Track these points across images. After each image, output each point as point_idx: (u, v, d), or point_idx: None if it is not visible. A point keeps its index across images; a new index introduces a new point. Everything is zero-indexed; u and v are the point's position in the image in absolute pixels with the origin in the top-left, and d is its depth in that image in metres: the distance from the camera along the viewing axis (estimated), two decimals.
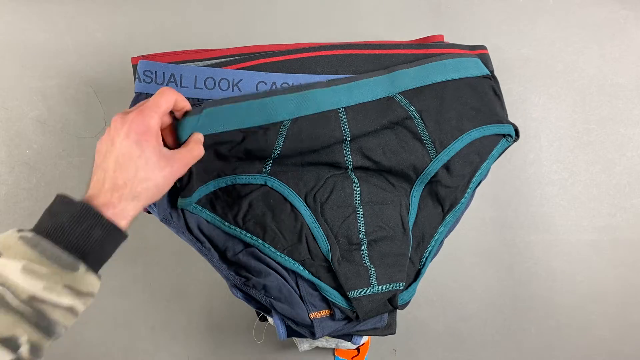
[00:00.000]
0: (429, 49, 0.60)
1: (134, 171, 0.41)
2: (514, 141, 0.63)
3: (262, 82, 0.57)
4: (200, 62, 0.60)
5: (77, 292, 0.37)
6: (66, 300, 0.36)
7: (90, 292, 0.38)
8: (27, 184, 0.77)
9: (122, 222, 0.41)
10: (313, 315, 0.54)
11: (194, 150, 0.47)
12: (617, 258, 0.78)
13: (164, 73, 0.56)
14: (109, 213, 0.40)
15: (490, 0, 0.82)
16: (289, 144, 0.53)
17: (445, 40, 0.65)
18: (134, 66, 0.60)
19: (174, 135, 0.50)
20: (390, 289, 0.54)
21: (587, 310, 0.77)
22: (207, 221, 0.55)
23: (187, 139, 0.49)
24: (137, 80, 0.57)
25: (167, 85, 0.57)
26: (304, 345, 0.71)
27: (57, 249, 0.37)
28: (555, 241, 0.78)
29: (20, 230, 0.39)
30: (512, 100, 0.78)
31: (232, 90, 0.57)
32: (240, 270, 0.55)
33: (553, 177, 0.79)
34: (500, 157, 0.63)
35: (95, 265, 0.39)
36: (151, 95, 0.56)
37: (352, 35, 0.80)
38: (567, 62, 0.81)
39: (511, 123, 0.63)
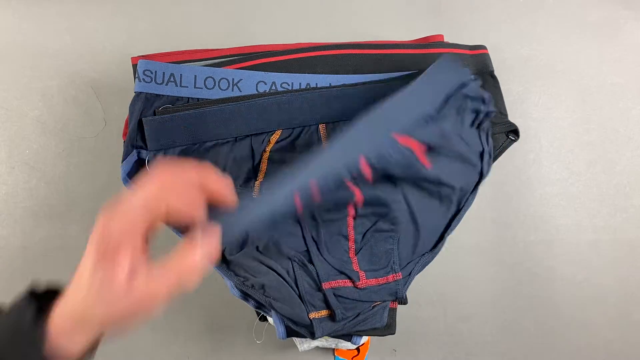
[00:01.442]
0: (429, 48, 0.60)
1: (84, 295, 0.34)
2: (514, 141, 0.63)
3: (262, 81, 0.57)
4: (200, 62, 0.60)
5: None
6: None
7: None
8: (27, 184, 0.77)
9: (69, 353, 0.34)
10: (312, 315, 0.54)
11: (173, 283, 0.35)
12: (617, 258, 0.78)
13: (163, 73, 0.56)
14: (59, 338, 0.33)
15: (490, 0, 0.82)
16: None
17: (445, 40, 0.65)
18: (134, 66, 0.60)
19: None
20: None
21: (587, 310, 0.77)
22: None
23: (173, 258, 0.36)
24: (136, 79, 0.57)
25: (166, 85, 0.56)
26: (304, 345, 0.71)
27: None
28: (555, 241, 0.78)
29: None
30: (512, 100, 0.78)
31: (232, 90, 0.57)
32: (239, 270, 0.55)
33: (553, 177, 0.79)
34: (500, 157, 0.63)
35: None
36: (153, 95, 0.56)
37: (352, 35, 0.80)
38: (567, 62, 0.81)
39: (511, 123, 0.63)
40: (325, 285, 0.53)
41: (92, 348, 0.38)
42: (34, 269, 0.75)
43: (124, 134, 0.58)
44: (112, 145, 0.76)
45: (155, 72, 0.56)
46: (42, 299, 0.35)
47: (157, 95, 0.56)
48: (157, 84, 0.56)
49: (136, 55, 0.61)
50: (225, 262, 0.55)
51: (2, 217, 0.77)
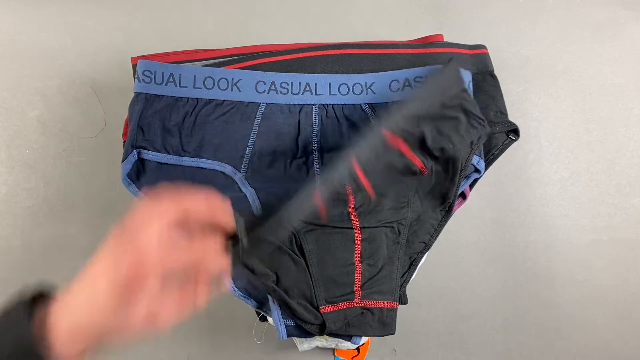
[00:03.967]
0: (429, 48, 0.60)
1: (94, 314, 0.34)
2: (514, 141, 0.63)
3: (262, 81, 0.57)
4: (200, 62, 0.60)
5: None
6: None
7: None
8: (27, 184, 0.77)
9: (66, 357, 0.34)
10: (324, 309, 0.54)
11: (181, 311, 0.36)
12: (617, 258, 0.78)
13: (162, 73, 0.56)
14: (57, 345, 0.33)
15: (490, 0, 0.82)
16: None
17: (445, 39, 0.65)
18: (134, 66, 0.60)
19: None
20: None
21: (587, 310, 0.77)
22: None
23: (186, 284, 0.37)
24: (136, 80, 0.57)
25: (166, 85, 0.56)
26: (304, 345, 0.71)
27: None
28: (555, 241, 0.78)
29: None
30: (512, 100, 0.78)
31: (232, 90, 0.57)
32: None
33: (553, 177, 0.79)
34: (500, 157, 0.63)
35: None
36: (152, 95, 0.56)
37: (352, 35, 0.80)
38: (567, 62, 0.81)
39: (511, 122, 0.63)
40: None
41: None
42: (34, 269, 0.75)
43: (124, 134, 0.58)
44: (112, 145, 0.76)
45: (155, 72, 0.56)
46: (34, 304, 0.35)
47: (157, 96, 0.56)
48: (157, 84, 0.56)
49: (136, 55, 0.61)
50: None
51: (2, 217, 0.77)
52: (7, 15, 0.80)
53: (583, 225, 0.78)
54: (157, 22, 0.81)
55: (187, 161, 0.57)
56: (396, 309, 0.59)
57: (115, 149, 0.60)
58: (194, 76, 0.56)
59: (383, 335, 0.59)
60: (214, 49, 0.62)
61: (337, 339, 0.69)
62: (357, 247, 0.54)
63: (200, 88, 0.56)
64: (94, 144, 0.78)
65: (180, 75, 0.56)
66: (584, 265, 0.78)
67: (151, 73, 0.56)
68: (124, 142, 0.57)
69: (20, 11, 0.80)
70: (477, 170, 0.58)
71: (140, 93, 0.56)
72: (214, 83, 0.57)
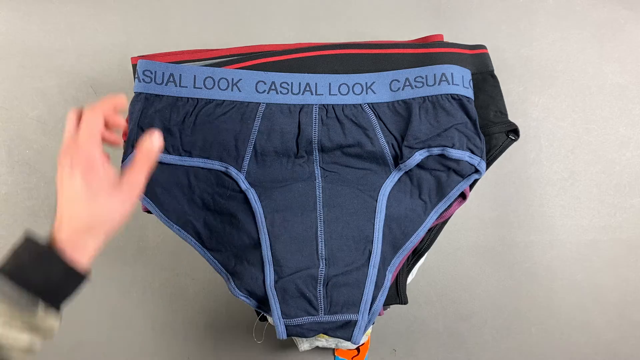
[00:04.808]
0: (429, 48, 0.60)
1: (85, 208, 0.41)
2: (514, 141, 0.63)
3: (262, 81, 0.57)
4: (200, 62, 0.60)
5: (36, 330, 0.38)
6: (24, 337, 0.38)
7: (49, 330, 0.40)
8: (27, 184, 0.77)
9: (83, 260, 0.41)
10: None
11: (144, 167, 0.45)
12: (617, 258, 0.78)
13: (163, 73, 0.56)
14: (70, 251, 0.40)
15: (490, 0, 0.82)
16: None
17: (445, 39, 0.65)
18: (134, 66, 0.60)
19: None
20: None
21: (587, 310, 0.77)
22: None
23: (134, 152, 0.46)
24: (136, 80, 0.57)
25: (166, 85, 0.57)
26: (304, 345, 0.71)
27: (16, 290, 0.38)
28: (555, 241, 0.78)
29: None
30: (512, 100, 0.78)
31: (232, 90, 0.57)
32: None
33: (553, 177, 0.79)
34: (500, 157, 0.63)
35: (55, 303, 0.40)
36: (152, 95, 0.57)
37: (352, 35, 0.80)
38: (567, 62, 0.81)
39: (511, 122, 0.63)
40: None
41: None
42: None
43: (124, 134, 0.58)
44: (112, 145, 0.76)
45: (155, 72, 0.56)
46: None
47: (157, 96, 0.56)
48: (157, 84, 0.56)
49: (136, 55, 0.61)
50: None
51: (2, 217, 0.77)
52: (7, 15, 0.80)
53: (583, 225, 0.78)
54: (157, 22, 0.81)
55: (188, 161, 0.57)
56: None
57: (115, 149, 0.60)
58: (194, 76, 0.56)
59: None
60: (214, 49, 0.62)
61: (337, 339, 0.69)
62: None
63: (201, 88, 0.56)
64: None
65: (180, 75, 0.56)
66: (584, 265, 0.78)
67: (151, 73, 0.56)
68: (124, 142, 0.57)
69: (20, 11, 0.80)
70: (477, 172, 0.58)
71: (140, 93, 0.56)
72: (214, 83, 0.57)
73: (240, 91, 0.57)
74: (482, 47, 0.64)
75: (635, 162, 0.79)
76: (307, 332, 0.56)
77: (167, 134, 0.56)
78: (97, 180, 0.41)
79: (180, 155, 0.57)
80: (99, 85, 0.79)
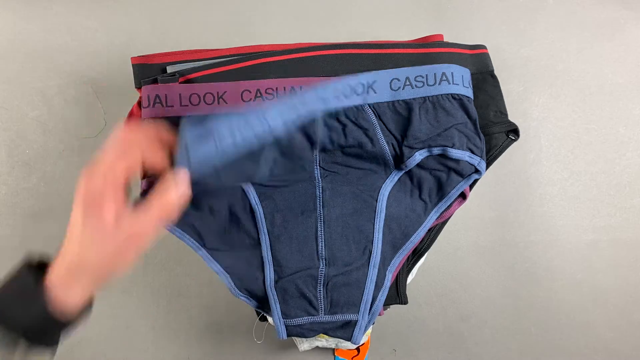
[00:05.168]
0: (429, 48, 0.60)
1: (78, 246, 0.37)
2: (514, 141, 0.63)
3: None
4: (200, 62, 0.60)
5: None
6: None
7: None
8: (27, 184, 0.77)
9: (70, 302, 0.38)
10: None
11: (157, 218, 0.39)
12: (617, 258, 0.78)
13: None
14: (57, 291, 0.37)
15: (490, 0, 0.82)
16: None
17: (445, 39, 0.65)
18: (134, 66, 0.60)
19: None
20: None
21: (587, 310, 0.77)
22: None
23: (153, 195, 0.40)
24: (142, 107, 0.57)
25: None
26: (304, 345, 0.71)
27: None
28: (555, 241, 0.78)
29: None
30: (512, 100, 0.78)
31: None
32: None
33: (553, 177, 0.79)
34: (500, 157, 0.63)
35: (39, 343, 0.37)
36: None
37: (352, 35, 0.80)
38: (567, 62, 0.81)
39: (511, 122, 0.63)
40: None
41: (89, 303, 0.41)
42: None
43: None
44: None
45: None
46: (38, 268, 0.39)
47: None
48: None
49: (136, 55, 0.61)
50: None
51: (2, 217, 0.77)
52: (7, 15, 0.80)
53: (583, 225, 0.78)
54: (157, 22, 0.81)
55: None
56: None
57: None
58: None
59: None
60: (214, 49, 0.62)
61: (337, 339, 0.69)
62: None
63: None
64: (94, 144, 0.78)
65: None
66: (584, 266, 0.78)
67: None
68: None
69: (20, 11, 0.80)
70: (477, 172, 0.58)
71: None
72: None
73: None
74: (482, 47, 0.64)
75: (635, 162, 0.79)
76: (308, 332, 0.56)
77: None
78: (96, 218, 0.37)
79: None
80: (99, 85, 0.79)
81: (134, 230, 0.38)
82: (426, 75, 0.57)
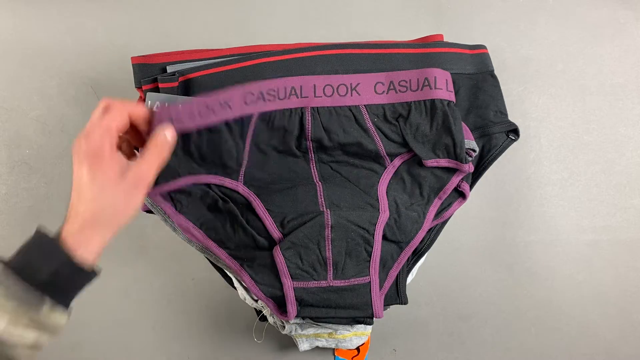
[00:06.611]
0: (429, 48, 0.60)
1: (91, 200, 0.41)
2: (514, 141, 0.63)
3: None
4: (200, 62, 0.60)
5: (42, 328, 0.38)
6: (30, 334, 0.38)
7: (56, 327, 0.40)
8: (27, 184, 0.77)
9: (88, 256, 0.41)
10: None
11: (155, 160, 0.44)
12: (617, 258, 0.78)
13: (149, 102, 0.56)
14: (75, 247, 0.40)
15: (490, 0, 0.82)
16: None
17: (445, 39, 0.65)
18: (134, 66, 0.60)
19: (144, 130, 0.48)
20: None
21: (587, 310, 0.77)
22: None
23: (147, 144, 0.46)
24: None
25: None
26: (304, 345, 0.71)
27: (22, 286, 0.37)
28: (555, 241, 0.78)
29: None
30: (512, 100, 0.78)
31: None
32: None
33: (553, 177, 0.79)
34: (500, 157, 0.63)
35: (62, 300, 0.40)
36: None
37: (352, 35, 0.80)
38: (567, 62, 0.81)
39: (511, 122, 0.63)
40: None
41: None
42: None
43: None
44: None
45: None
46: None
47: None
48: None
49: (136, 55, 0.61)
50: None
51: (2, 217, 0.77)
52: (7, 15, 0.80)
53: (583, 225, 0.78)
54: (157, 22, 0.81)
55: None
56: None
57: None
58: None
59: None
60: (214, 49, 0.62)
61: (337, 339, 0.69)
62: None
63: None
64: None
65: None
66: (584, 265, 0.78)
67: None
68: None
69: (20, 11, 0.80)
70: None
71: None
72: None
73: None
74: (482, 47, 0.64)
75: (635, 162, 0.79)
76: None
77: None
78: (102, 171, 0.41)
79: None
80: (99, 85, 0.79)
81: (138, 177, 0.43)
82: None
